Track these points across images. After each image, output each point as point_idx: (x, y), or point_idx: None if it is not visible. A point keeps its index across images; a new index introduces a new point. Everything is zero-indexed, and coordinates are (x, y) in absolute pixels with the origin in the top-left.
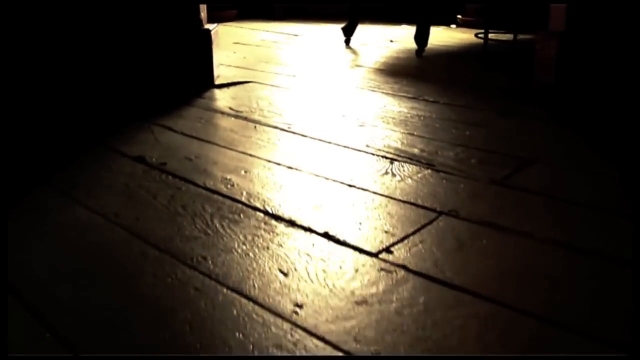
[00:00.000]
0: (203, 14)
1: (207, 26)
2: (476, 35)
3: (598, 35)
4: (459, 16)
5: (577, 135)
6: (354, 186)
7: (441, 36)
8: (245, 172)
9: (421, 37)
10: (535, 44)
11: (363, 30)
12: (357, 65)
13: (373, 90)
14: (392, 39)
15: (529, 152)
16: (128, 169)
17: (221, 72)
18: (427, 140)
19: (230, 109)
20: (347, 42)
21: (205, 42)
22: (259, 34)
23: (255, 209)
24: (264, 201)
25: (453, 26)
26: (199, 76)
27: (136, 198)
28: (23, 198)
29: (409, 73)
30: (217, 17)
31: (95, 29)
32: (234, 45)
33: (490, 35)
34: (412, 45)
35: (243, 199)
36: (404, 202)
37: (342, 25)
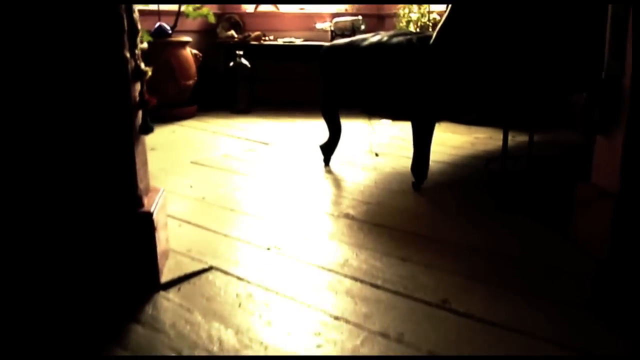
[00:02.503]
0: (142, 185)
1: (150, 196)
2: (486, 166)
3: None
4: None
5: None
6: None
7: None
8: None
9: (419, 168)
10: (576, 202)
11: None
12: (345, 215)
13: (377, 286)
14: (378, 152)
15: None
16: None
17: (172, 235)
18: None
19: None
20: (327, 161)
21: (145, 231)
22: (221, 143)
23: None
24: None
25: None
26: (136, 278)
27: None
28: None
29: (412, 232)
30: (175, 115)
31: None
32: (191, 167)
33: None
34: (402, 161)
35: None
36: None
37: (313, 121)
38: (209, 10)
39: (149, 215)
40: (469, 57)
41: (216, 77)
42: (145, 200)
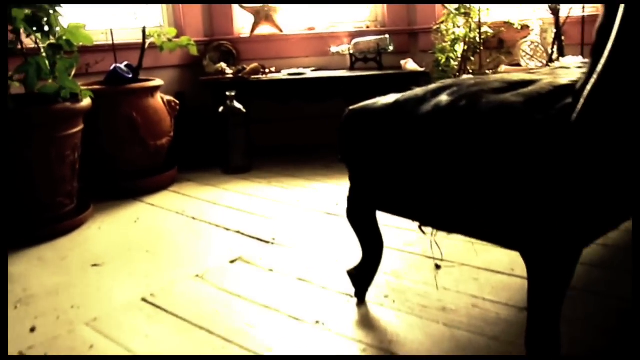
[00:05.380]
0: None
1: None
2: None
3: None
4: None
5: None
6: None
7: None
8: None
9: (544, 343)
10: None
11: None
12: None
13: None
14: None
15: None
16: None
17: None
18: None
19: None
20: (360, 296)
21: None
22: (199, 243)
23: None
24: None
25: None
26: None
27: None
28: None
29: None
30: (143, 188)
31: None
32: (139, 317)
33: None
34: (485, 281)
35: None
36: None
37: (332, 183)
38: (189, 39)
39: None
40: None
41: (203, 125)
42: None
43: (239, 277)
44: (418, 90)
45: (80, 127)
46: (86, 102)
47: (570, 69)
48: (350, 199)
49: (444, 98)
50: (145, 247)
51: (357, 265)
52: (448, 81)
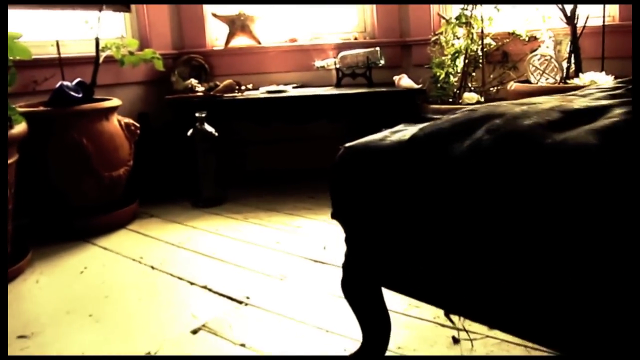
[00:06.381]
0: None
1: None
2: None
3: None
4: None
5: None
6: None
7: None
8: None
9: None
10: None
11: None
12: None
13: None
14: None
15: None
16: None
17: None
18: None
19: None
20: None
21: None
22: (159, 301)
23: None
24: None
25: None
26: None
27: None
28: None
29: None
30: (96, 226)
31: None
32: None
33: None
34: None
35: None
36: None
37: (319, 220)
38: (154, 52)
39: None
40: None
41: (170, 151)
42: None
43: (200, 354)
44: (441, 122)
45: (12, 159)
46: (19, 127)
47: (617, 90)
48: (346, 269)
49: (483, 135)
50: (89, 310)
51: (357, 351)
52: (479, 109)
